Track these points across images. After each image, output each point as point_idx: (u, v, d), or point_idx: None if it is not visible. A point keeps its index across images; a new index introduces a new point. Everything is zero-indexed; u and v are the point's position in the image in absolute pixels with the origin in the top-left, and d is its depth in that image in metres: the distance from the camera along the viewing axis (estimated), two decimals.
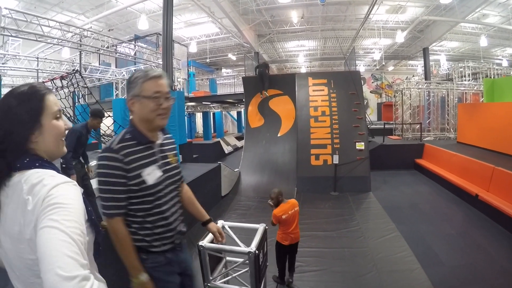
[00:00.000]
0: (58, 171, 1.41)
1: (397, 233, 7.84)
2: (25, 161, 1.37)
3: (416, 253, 6.78)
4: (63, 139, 1.50)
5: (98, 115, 6.25)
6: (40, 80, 14.23)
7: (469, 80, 18.62)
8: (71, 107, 14.06)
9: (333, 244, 7.62)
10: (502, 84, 13.97)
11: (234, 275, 3.64)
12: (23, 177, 1.33)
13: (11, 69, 16.12)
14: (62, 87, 12.96)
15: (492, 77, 18.20)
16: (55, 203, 1.22)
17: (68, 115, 13.42)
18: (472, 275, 5.94)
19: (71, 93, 13.67)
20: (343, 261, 6.79)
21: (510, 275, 5.86)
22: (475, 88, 17.72)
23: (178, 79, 19.46)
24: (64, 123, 1.50)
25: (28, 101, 1.39)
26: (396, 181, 12.83)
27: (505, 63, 24.00)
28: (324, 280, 6.12)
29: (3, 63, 14.65)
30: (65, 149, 1.53)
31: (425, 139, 15.98)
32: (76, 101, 15.32)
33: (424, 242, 7.39)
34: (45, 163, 1.42)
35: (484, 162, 9.60)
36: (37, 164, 1.38)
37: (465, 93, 17.75)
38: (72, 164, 5.68)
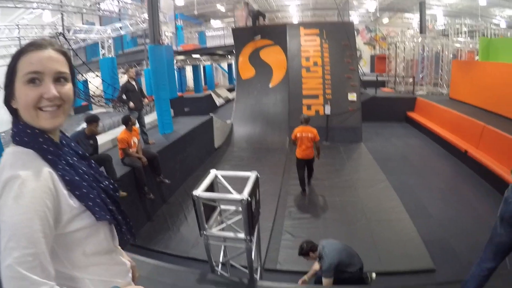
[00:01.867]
0: (44, 152, 1.16)
1: (387, 183, 7.99)
2: (13, 131, 1.18)
3: (405, 204, 6.96)
4: (45, 109, 1.14)
5: (93, 120, 6.04)
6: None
7: (465, 37, 18.38)
8: None
9: (324, 193, 7.75)
10: (498, 45, 13.80)
11: (228, 222, 3.63)
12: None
13: None
14: None
15: (489, 37, 17.96)
16: None
17: None
18: (459, 229, 6.10)
19: None
20: (334, 209, 6.94)
21: None
22: (470, 46, 17.43)
23: (166, 33, 18.84)
24: (46, 90, 1.13)
25: (11, 60, 1.17)
26: (387, 133, 12.91)
27: (503, 24, 23.59)
28: (316, 226, 6.26)
29: None
30: (47, 122, 1.21)
31: (417, 93, 15.90)
32: None
33: (413, 194, 7.55)
34: (29, 138, 1.15)
35: (475, 120, 9.64)
36: (17, 138, 1.16)
37: (460, 50, 17.46)
38: None
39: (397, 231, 6.01)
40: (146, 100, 8.33)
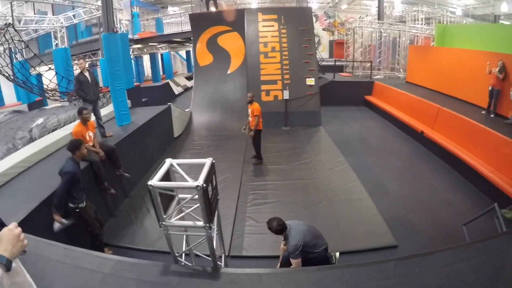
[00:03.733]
0: None
1: (346, 165, 8.10)
2: None
3: (365, 183, 7.08)
4: None
5: (76, 145, 5.16)
6: None
7: (421, 24, 18.87)
8: (8, 65, 12.90)
9: (285, 176, 7.74)
10: (453, 31, 14.28)
11: (187, 211, 3.58)
12: None
13: None
14: None
15: (445, 24, 18.52)
16: None
17: (7, 74, 12.36)
18: (417, 204, 6.27)
19: (7, 50, 12.58)
20: (296, 192, 6.94)
21: (451, 205, 6.23)
22: (427, 32, 17.95)
23: (121, 21, 18.10)
24: None
25: None
26: (346, 116, 13.09)
27: (459, 12, 24.35)
28: (279, 211, 6.22)
29: None
30: None
31: (375, 77, 16.24)
32: (14, 57, 14.01)
33: (372, 174, 7.69)
34: None
35: (430, 102, 9.93)
36: None
37: (417, 36, 17.99)
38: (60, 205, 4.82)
39: (358, 210, 6.09)
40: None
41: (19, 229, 1.44)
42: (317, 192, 6.87)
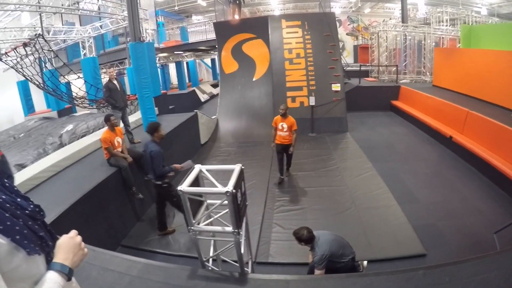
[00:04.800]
0: None
1: (373, 171, 8.04)
2: None
3: (392, 190, 7.01)
4: None
5: (154, 128, 5.97)
6: (3, 51, 13.17)
7: (446, 25, 18.56)
8: (39, 74, 13.40)
9: (312, 183, 7.75)
10: (479, 31, 13.98)
11: (215, 216, 3.63)
12: None
13: None
14: (26, 55, 12.23)
15: (470, 24, 18.16)
16: None
17: (37, 83, 12.81)
18: (446, 212, 6.18)
19: (37, 59, 12.94)
20: (322, 199, 6.95)
21: (480, 213, 6.10)
22: (452, 34, 17.63)
23: (147, 31, 18.45)
24: None
25: None
26: (372, 122, 12.99)
27: (484, 12, 23.81)
28: (305, 218, 6.25)
29: None
30: None
31: (401, 82, 16.06)
32: (44, 66, 14.51)
33: (400, 180, 7.60)
34: None
35: (458, 106, 9.74)
36: None
37: (442, 38, 17.70)
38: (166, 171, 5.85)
39: (386, 218, 6.05)
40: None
41: (79, 237, 1.40)
42: (344, 199, 6.86)
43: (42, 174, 5.98)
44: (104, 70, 19.17)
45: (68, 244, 1.34)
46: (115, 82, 7.81)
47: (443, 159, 8.90)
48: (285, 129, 7.70)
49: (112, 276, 3.38)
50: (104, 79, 18.18)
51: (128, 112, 8.61)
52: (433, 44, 17.21)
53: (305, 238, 4.03)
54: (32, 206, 1.27)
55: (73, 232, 1.40)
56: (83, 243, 1.41)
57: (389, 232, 5.60)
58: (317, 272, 3.93)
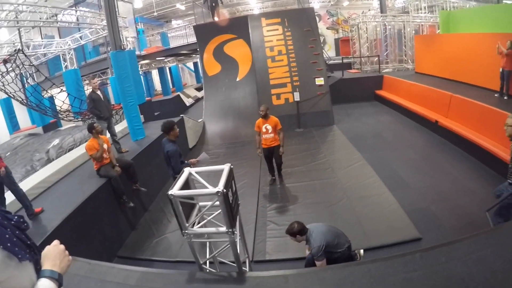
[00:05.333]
0: None
1: (363, 161, 8.07)
2: None
3: (383, 178, 7.04)
4: None
5: (169, 127, 5.99)
6: None
7: (425, 12, 18.76)
8: (21, 90, 13.29)
9: (303, 178, 7.75)
10: (457, 16, 14.16)
11: (208, 218, 3.61)
12: None
13: None
14: (7, 72, 12.11)
15: (448, 10, 18.36)
16: None
17: (20, 99, 12.70)
18: (438, 195, 6.21)
19: (18, 75, 12.89)
20: (314, 193, 6.95)
21: (473, 193, 6.14)
22: (431, 21, 17.86)
23: (127, 39, 18.45)
24: None
25: None
26: (358, 113, 13.06)
27: None
28: (299, 213, 6.25)
29: None
30: None
31: (384, 71, 16.20)
32: (25, 82, 14.39)
33: (389, 168, 7.63)
34: None
35: (442, 90, 9.84)
36: None
37: (422, 25, 17.92)
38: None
39: (379, 206, 6.06)
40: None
41: (62, 246, 1.45)
42: (335, 191, 6.87)
43: (31, 191, 5.90)
44: (87, 82, 19.02)
45: (54, 252, 1.39)
46: (98, 92, 7.73)
47: (430, 144, 8.96)
48: (269, 131, 7.33)
49: (110, 287, 3.35)
50: (88, 90, 18.07)
51: (113, 122, 8.54)
52: (413, 32, 17.41)
53: (296, 230, 4.01)
54: (16, 217, 1.31)
55: (56, 241, 1.45)
56: (66, 251, 1.46)
57: (383, 219, 5.61)
58: (318, 263, 3.91)
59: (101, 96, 7.75)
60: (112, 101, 19.15)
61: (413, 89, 11.69)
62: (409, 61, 16.85)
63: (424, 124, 10.11)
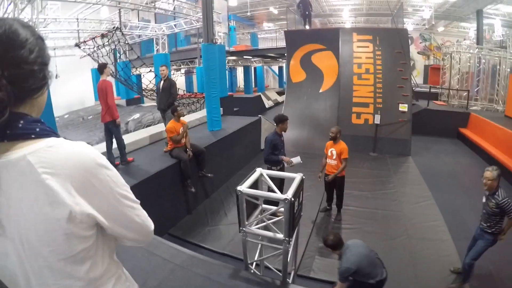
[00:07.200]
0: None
1: (432, 201, 7.81)
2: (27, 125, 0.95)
3: (449, 224, 6.78)
4: None
5: (280, 120, 6.63)
6: (81, 39, 14.34)
7: None
8: (113, 64, 14.31)
9: (367, 204, 7.71)
10: None
11: (268, 222, 3.66)
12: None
13: (52, 32, 16.29)
14: (103, 45, 13.21)
15: None
16: None
17: (111, 72, 13.71)
18: (501, 257, 5.78)
19: (112, 50, 14.03)
20: (375, 222, 6.89)
21: None
22: None
23: (219, 33, 19.28)
24: None
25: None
26: (437, 148, 12.55)
27: None
28: (354, 237, 6.10)
29: (44, 27, 14.73)
30: None
31: (471, 108, 15.32)
32: (118, 57, 15.48)
33: (458, 215, 7.33)
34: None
35: None
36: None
37: None
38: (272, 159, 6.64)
39: (437, 252, 5.87)
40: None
41: None
42: (397, 225, 6.76)
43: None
44: (175, 67, 19.97)
45: None
46: (163, 82, 8.01)
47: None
48: (334, 157, 6.74)
49: (156, 261, 3.52)
50: (174, 75, 18.95)
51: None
52: (508, 70, 16.16)
53: (330, 243, 3.89)
54: None
55: None
56: None
57: (438, 267, 5.45)
58: (338, 284, 3.80)
59: (161, 87, 8.02)
60: (195, 90, 19.94)
61: (500, 134, 10.93)
62: (500, 101, 15.71)
63: (506, 176, 9.40)
